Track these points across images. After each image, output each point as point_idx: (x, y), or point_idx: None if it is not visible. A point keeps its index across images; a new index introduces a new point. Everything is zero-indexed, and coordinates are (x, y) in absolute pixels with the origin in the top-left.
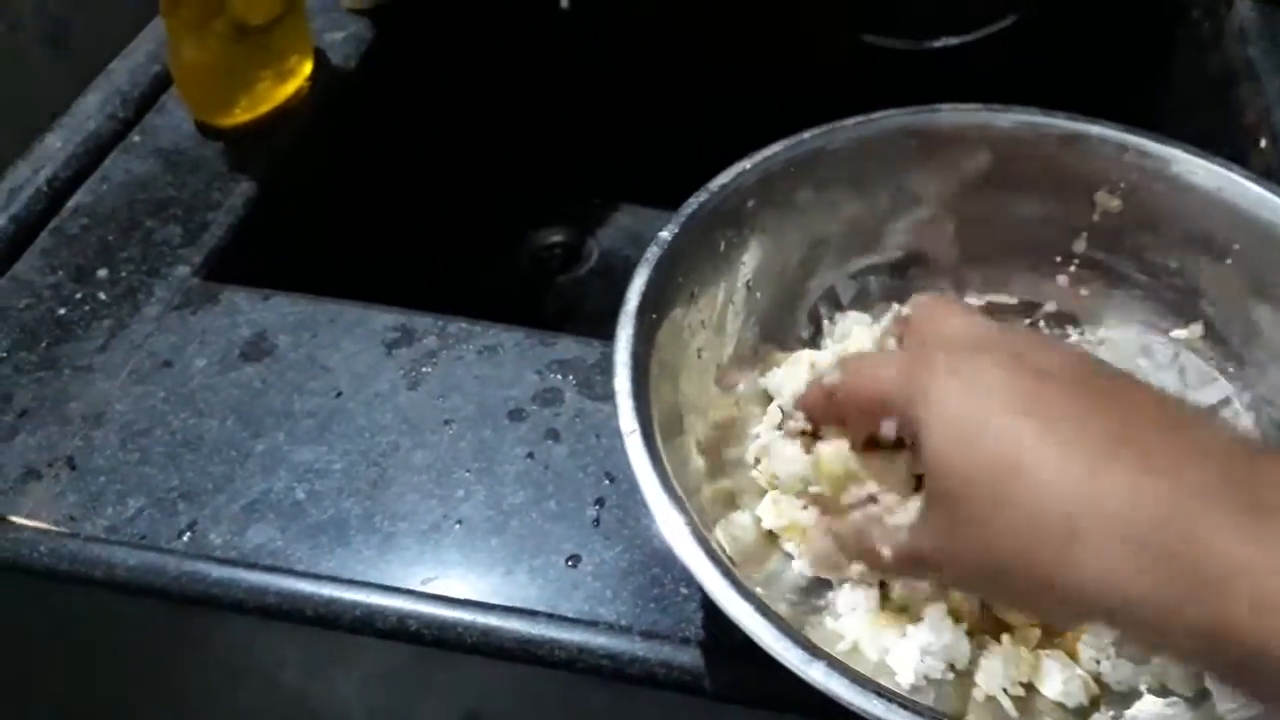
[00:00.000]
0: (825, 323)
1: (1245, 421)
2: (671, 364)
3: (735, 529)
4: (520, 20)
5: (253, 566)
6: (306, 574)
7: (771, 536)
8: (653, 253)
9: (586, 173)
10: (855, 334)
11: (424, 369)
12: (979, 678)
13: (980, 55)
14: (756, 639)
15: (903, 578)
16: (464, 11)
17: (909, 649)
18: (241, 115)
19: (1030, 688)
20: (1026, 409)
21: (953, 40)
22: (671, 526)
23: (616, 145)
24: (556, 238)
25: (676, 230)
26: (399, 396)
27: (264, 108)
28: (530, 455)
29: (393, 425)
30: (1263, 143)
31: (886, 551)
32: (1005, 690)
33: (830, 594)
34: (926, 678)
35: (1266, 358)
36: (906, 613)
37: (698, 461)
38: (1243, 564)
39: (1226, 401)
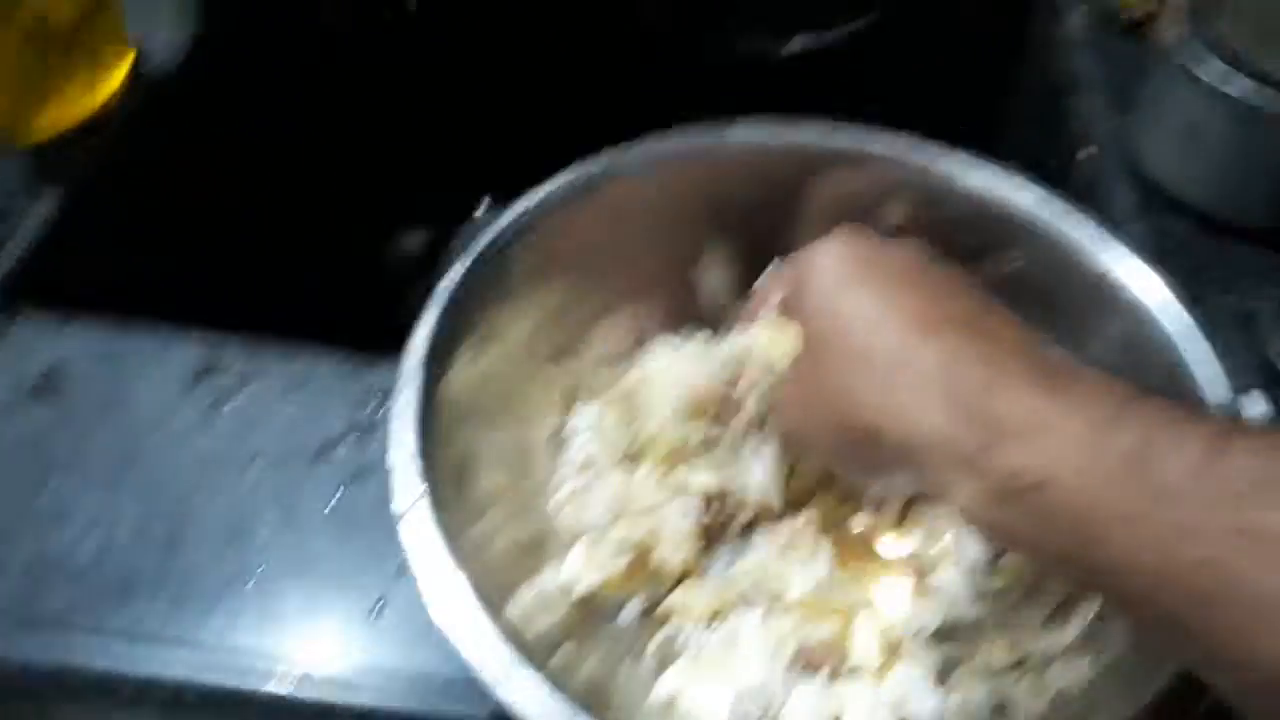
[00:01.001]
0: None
1: None
2: (469, 411)
3: (545, 585)
4: (365, 19)
5: (35, 628)
6: (95, 631)
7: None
8: (436, 299)
9: (440, 176)
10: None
11: (228, 404)
12: (785, 715)
13: (834, 59)
14: None
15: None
16: (304, 8)
17: (722, 697)
18: (46, 123)
19: None
20: (897, 279)
21: (809, 43)
22: (451, 621)
23: (469, 149)
24: (414, 245)
25: (462, 272)
26: (199, 436)
27: (74, 115)
28: (337, 496)
29: (191, 468)
30: (1085, 153)
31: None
32: None
33: (655, 638)
34: None
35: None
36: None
37: (496, 517)
38: (1023, 407)
39: None
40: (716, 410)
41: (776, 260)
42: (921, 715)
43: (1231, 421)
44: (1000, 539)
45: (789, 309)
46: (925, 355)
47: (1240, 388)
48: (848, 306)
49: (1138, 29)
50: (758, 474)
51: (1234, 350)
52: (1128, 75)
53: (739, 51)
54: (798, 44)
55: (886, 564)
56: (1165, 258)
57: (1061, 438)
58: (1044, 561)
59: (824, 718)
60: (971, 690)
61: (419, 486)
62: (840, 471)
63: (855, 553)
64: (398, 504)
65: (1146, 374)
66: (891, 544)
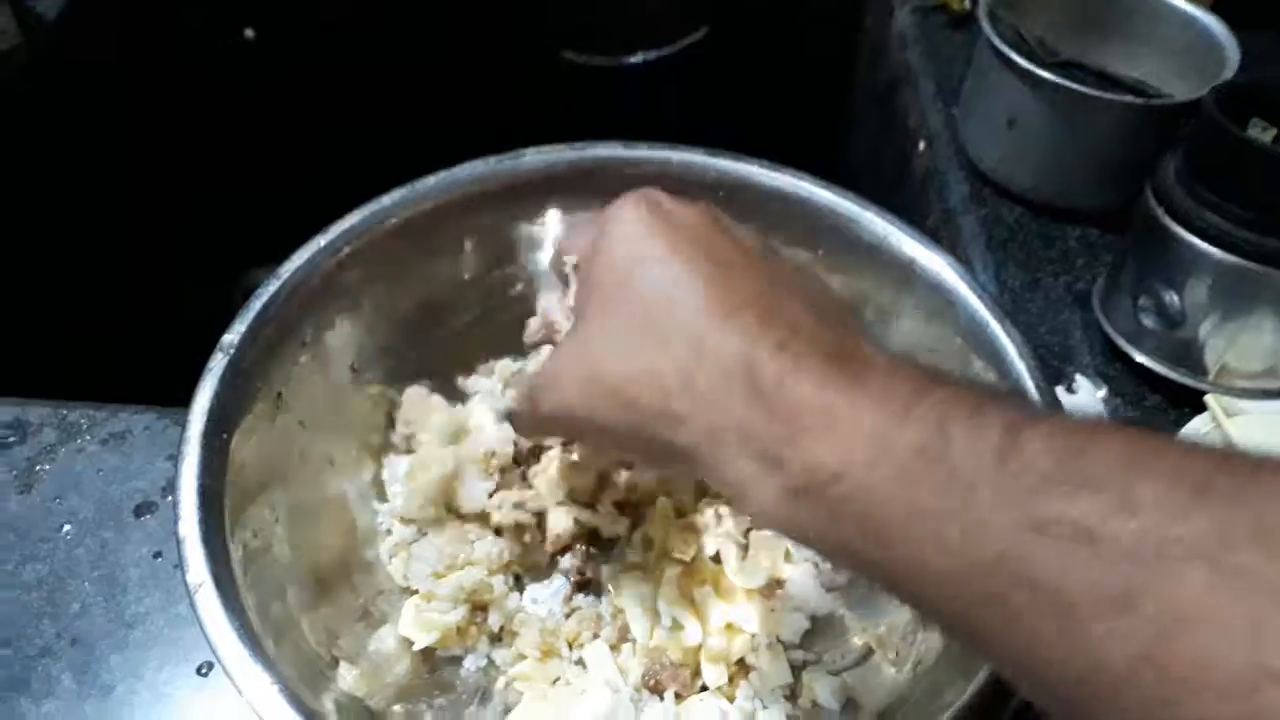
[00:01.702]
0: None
1: None
2: (266, 479)
3: (381, 645)
4: (205, 49)
5: None
6: None
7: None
8: (217, 362)
9: (288, 205)
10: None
11: (39, 467)
12: None
13: (677, 68)
14: None
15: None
16: (139, 36)
17: None
18: None
19: None
20: (680, 261)
21: (650, 55)
22: (263, 700)
23: (315, 174)
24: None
25: (244, 330)
26: (8, 502)
27: None
28: (158, 555)
29: (2, 534)
30: (921, 145)
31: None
32: None
33: (499, 681)
34: None
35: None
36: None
37: (303, 589)
38: (817, 398)
39: None
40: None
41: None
42: None
43: (1024, 407)
44: (796, 537)
45: (580, 273)
46: (725, 343)
47: (1073, 370)
48: (641, 281)
49: (964, 23)
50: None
51: (1072, 328)
52: (955, 68)
53: (589, 65)
54: (639, 56)
55: (731, 589)
56: (1000, 245)
57: (855, 431)
58: (840, 561)
59: None
60: (821, 690)
61: (204, 566)
62: (623, 453)
63: (699, 577)
64: (192, 577)
65: (950, 351)
66: (737, 570)
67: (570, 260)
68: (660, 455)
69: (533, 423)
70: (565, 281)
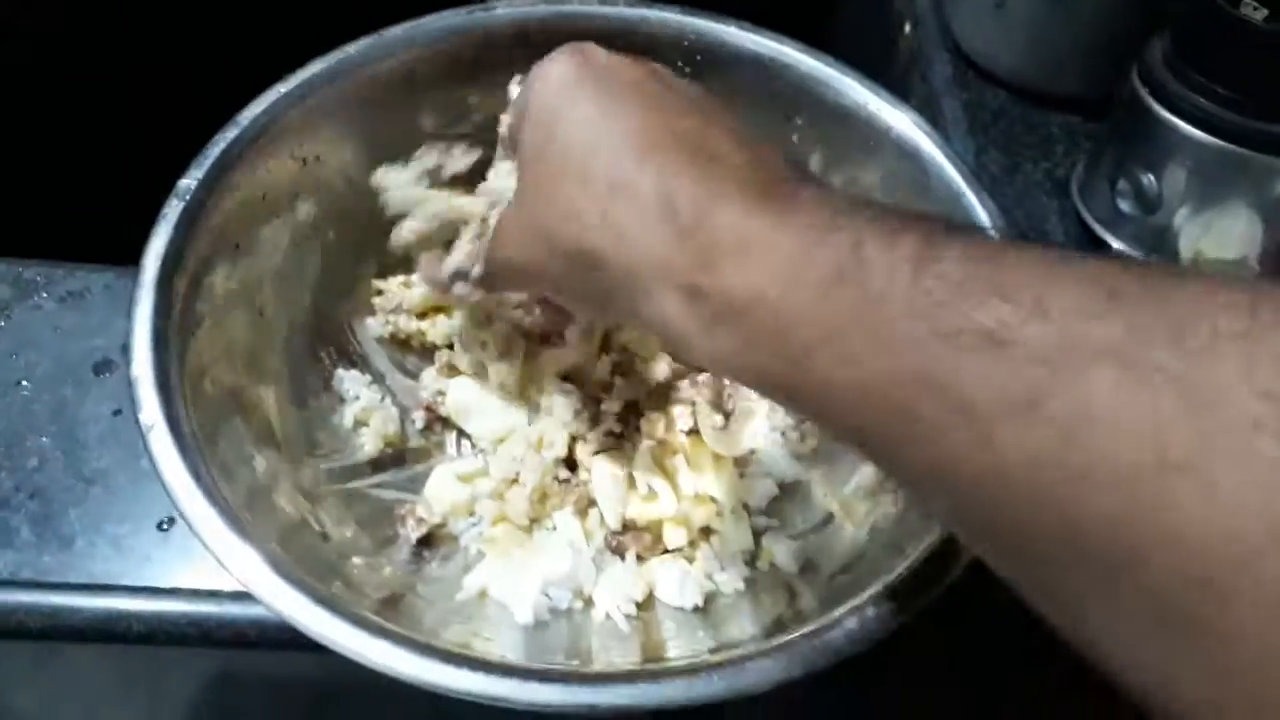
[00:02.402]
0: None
1: None
2: (222, 331)
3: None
4: None
5: None
6: None
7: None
8: (172, 208)
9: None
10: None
11: None
12: (596, 597)
13: None
14: (326, 641)
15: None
16: None
17: (530, 585)
18: None
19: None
20: (629, 90)
21: None
22: (215, 537)
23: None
24: None
25: (201, 176)
26: None
27: None
28: (118, 412)
29: None
30: (907, 27)
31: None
32: (619, 608)
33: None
34: (552, 610)
35: None
36: (532, 527)
37: (269, 441)
38: (736, 230)
39: None
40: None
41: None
42: (729, 584)
43: (944, 224)
44: (718, 370)
45: (515, 130)
46: (644, 175)
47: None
48: (566, 124)
49: None
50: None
51: (1049, 213)
52: None
53: None
54: None
55: (701, 460)
56: (982, 129)
57: (772, 254)
58: (757, 386)
59: (635, 594)
60: (781, 553)
61: (158, 408)
62: (565, 302)
63: (670, 448)
64: (145, 417)
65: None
66: (715, 440)
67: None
68: (593, 298)
69: (488, 278)
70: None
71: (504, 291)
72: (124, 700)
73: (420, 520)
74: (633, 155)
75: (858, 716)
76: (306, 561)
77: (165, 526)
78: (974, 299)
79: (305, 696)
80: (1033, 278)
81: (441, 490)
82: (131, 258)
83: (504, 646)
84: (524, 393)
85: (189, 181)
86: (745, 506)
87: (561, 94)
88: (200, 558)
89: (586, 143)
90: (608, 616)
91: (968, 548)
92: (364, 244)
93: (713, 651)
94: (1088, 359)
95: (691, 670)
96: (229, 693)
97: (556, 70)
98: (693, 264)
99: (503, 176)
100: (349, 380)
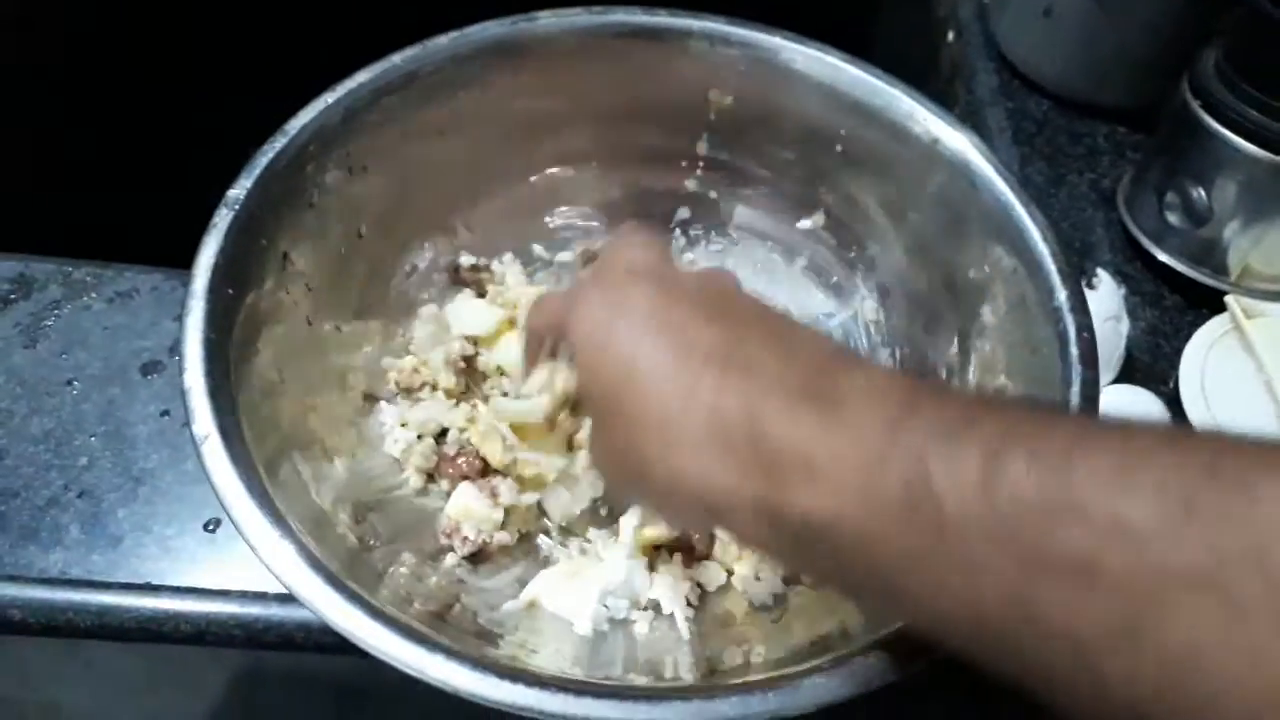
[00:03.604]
0: (464, 258)
1: (869, 306)
2: (269, 341)
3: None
4: None
5: None
6: None
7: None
8: (222, 217)
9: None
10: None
11: (45, 323)
12: (656, 594)
13: None
14: (377, 652)
15: None
16: None
17: (587, 596)
18: None
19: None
20: (650, 324)
21: None
22: (269, 548)
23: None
24: None
25: (250, 185)
26: (14, 356)
27: None
28: (165, 413)
29: (4, 390)
30: (950, 36)
31: None
32: (679, 610)
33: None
34: (610, 620)
35: (879, 235)
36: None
37: (315, 451)
38: (794, 443)
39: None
40: None
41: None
42: (760, 596)
43: (1004, 421)
44: (815, 578)
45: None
46: (691, 410)
47: (1094, 266)
48: (608, 369)
49: None
50: None
51: (1095, 225)
52: None
53: None
54: None
55: None
56: (1027, 139)
57: (838, 478)
58: (859, 600)
59: (686, 590)
60: None
61: (210, 418)
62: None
63: None
64: (198, 428)
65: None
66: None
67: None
68: (685, 517)
69: None
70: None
71: None
72: (153, 694)
73: (465, 539)
74: (676, 391)
75: None
76: (355, 571)
77: (212, 528)
78: (1050, 520)
79: (331, 694)
80: (1105, 490)
81: (464, 506)
82: (176, 260)
83: (560, 657)
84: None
85: (238, 191)
86: None
87: (595, 345)
88: (245, 559)
89: (632, 388)
90: (658, 618)
91: None
92: (410, 255)
93: (764, 665)
94: (1179, 588)
95: (746, 688)
96: (256, 689)
97: (587, 316)
98: (762, 488)
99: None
100: (387, 412)
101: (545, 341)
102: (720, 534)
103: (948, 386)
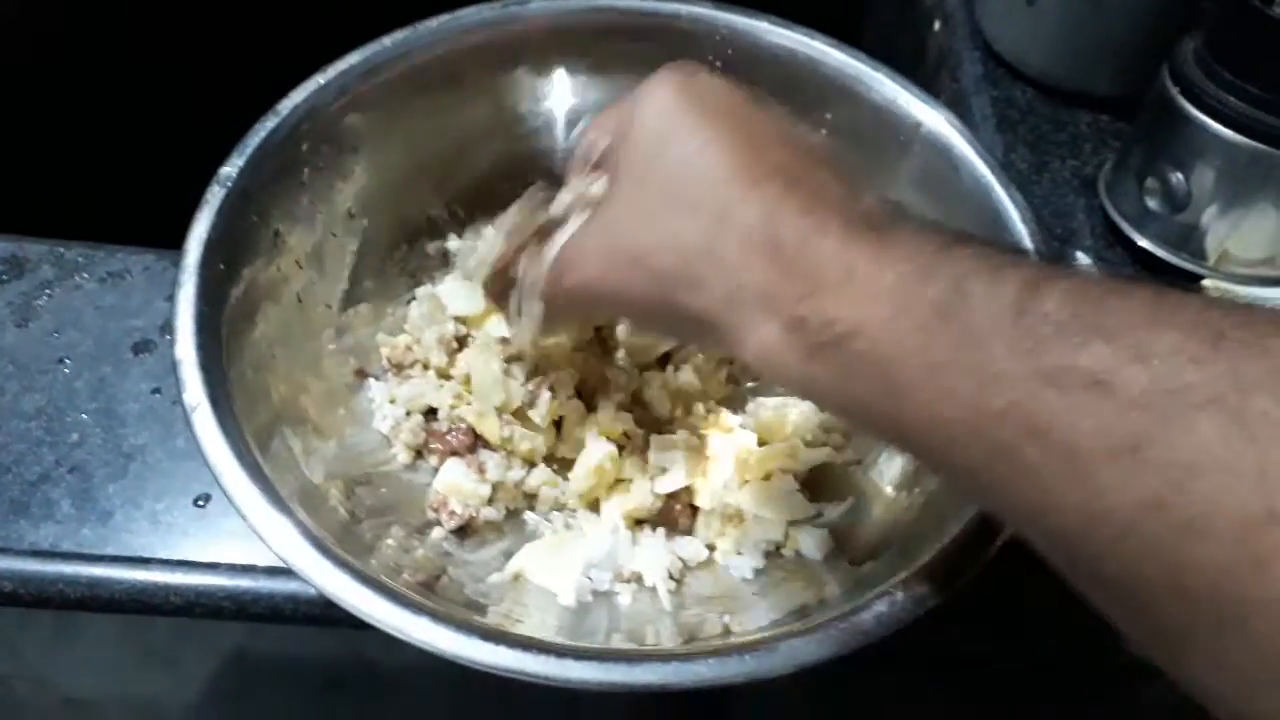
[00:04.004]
0: (453, 242)
1: None
2: (260, 317)
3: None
4: None
5: None
6: None
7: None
8: (214, 194)
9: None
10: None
11: (37, 302)
12: (639, 566)
13: None
14: (362, 614)
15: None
16: None
17: (571, 569)
18: None
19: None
20: (710, 132)
21: None
22: (259, 515)
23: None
24: None
25: (242, 164)
26: (6, 335)
27: None
28: (157, 391)
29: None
30: (936, 25)
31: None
32: (660, 581)
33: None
34: (593, 592)
35: None
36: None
37: (306, 426)
38: (839, 255)
39: None
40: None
41: (586, 117)
42: (740, 570)
43: (1046, 265)
44: (812, 397)
45: (611, 152)
46: (749, 207)
47: (1073, 251)
48: (673, 151)
49: None
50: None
51: (1076, 211)
52: None
53: None
54: None
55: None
56: (1011, 127)
57: (874, 287)
58: (851, 418)
59: (669, 563)
60: (806, 543)
61: (201, 388)
62: (640, 326)
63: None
64: (189, 397)
65: (958, 212)
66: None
67: (599, 141)
68: (681, 324)
69: (556, 300)
70: (590, 163)
71: (564, 322)
72: (142, 673)
73: (453, 513)
74: (739, 187)
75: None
76: (345, 543)
77: (201, 503)
78: (1076, 340)
79: (317, 677)
80: (1135, 320)
81: (452, 481)
82: (163, 241)
83: (544, 628)
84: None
85: (230, 169)
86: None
87: (667, 119)
88: (234, 533)
89: (693, 171)
90: (640, 590)
91: (1068, 580)
92: (399, 235)
93: (744, 634)
94: (1191, 406)
95: (723, 650)
96: (244, 670)
97: (661, 93)
98: (795, 294)
99: (573, 195)
100: (376, 389)
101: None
102: (705, 509)
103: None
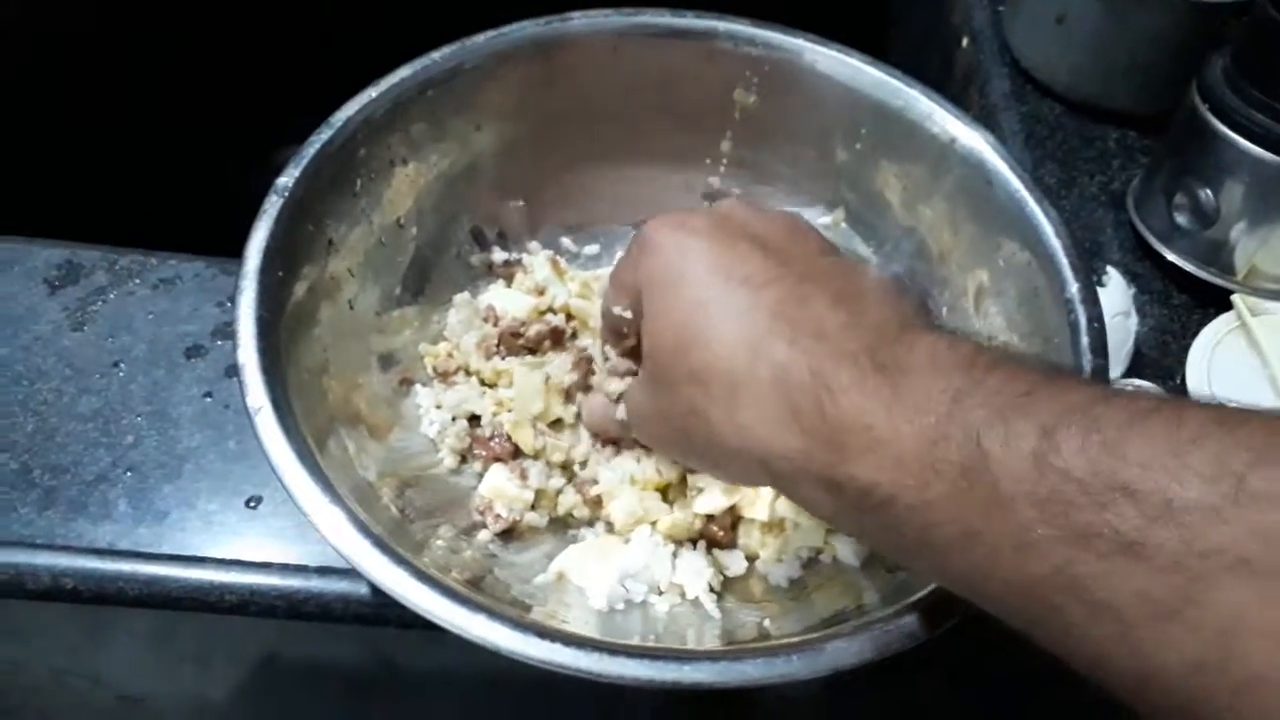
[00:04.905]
0: (497, 254)
1: None
2: (315, 322)
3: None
4: None
5: None
6: None
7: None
8: (272, 203)
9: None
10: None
11: (92, 307)
12: (680, 582)
13: None
14: (424, 612)
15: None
16: None
17: (607, 575)
18: None
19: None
20: (716, 275)
21: None
22: (320, 513)
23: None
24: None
25: (298, 174)
26: (62, 339)
27: None
28: (208, 395)
29: (54, 371)
30: (964, 41)
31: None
32: (702, 593)
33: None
34: (626, 601)
35: (899, 233)
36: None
37: (359, 428)
38: (858, 414)
39: None
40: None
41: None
42: (778, 577)
43: (1056, 395)
44: (867, 544)
45: (633, 327)
46: (757, 373)
47: (1104, 265)
48: (673, 324)
49: None
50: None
51: (1105, 226)
52: None
53: None
54: None
55: None
56: (1039, 143)
57: (897, 451)
58: (910, 567)
59: (710, 576)
60: (843, 549)
61: (263, 390)
62: (714, 477)
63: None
64: (252, 400)
65: (993, 226)
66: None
67: (622, 314)
68: (738, 477)
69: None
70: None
71: None
72: (171, 676)
73: (498, 517)
74: (743, 354)
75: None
76: (399, 540)
77: (253, 504)
78: (1101, 498)
79: (343, 682)
80: (1157, 471)
81: (497, 486)
82: (214, 250)
83: (586, 627)
84: None
85: (287, 179)
86: None
87: (662, 286)
88: (284, 535)
89: (698, 347)
90: (681, 603)
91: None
92: (445, 246)
93: (781, 637)
94: (1223, 568)
95: (770, 650)
96: (273, 673)
97: (650, 272)
98: (824, 461)
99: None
100: (423, 394)
101: (627, 319)
102: (746, 518)
103: (1008, 354)
